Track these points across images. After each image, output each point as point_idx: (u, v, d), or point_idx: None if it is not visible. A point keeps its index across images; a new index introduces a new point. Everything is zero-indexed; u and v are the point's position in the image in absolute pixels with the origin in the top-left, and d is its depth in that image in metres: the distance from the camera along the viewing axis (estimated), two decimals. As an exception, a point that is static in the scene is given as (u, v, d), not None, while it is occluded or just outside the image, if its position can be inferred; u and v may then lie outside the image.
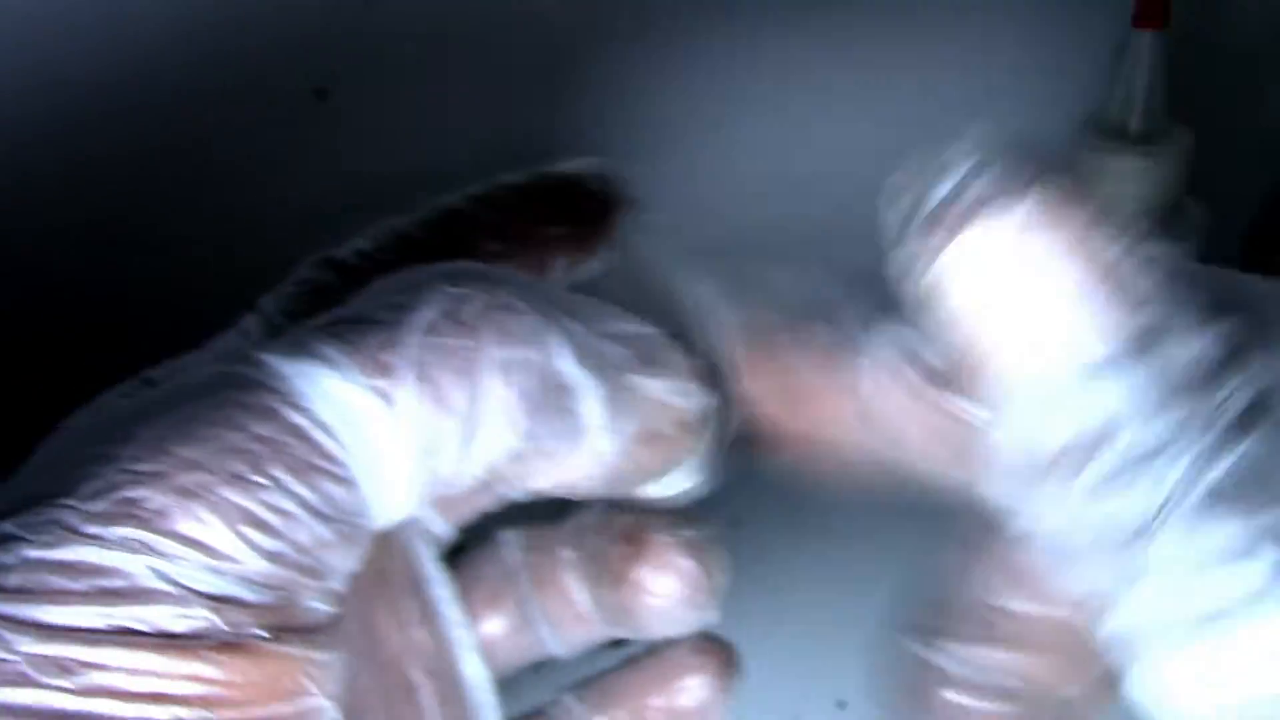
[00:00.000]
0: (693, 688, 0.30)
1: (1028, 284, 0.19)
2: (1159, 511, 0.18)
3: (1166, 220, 0.46)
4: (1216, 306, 0.19)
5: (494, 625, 0.29)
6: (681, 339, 0.25)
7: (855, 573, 0.53)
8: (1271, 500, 0.18)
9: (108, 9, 0.55)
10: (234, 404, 0.20)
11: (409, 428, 0.21)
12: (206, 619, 0.19)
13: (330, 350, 0.21)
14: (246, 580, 0.20)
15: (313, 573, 0.20)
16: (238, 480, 0.20)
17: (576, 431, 0.22)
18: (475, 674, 0.28)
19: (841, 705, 0.46)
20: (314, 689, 0.20)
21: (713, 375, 0.26)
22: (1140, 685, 0.19)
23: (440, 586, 0.28)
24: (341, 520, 0.21)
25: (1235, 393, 0.18)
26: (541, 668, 0.29)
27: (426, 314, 0.21)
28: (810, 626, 0.50)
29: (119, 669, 0.19)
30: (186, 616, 0.19)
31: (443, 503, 0.27)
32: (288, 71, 0.57)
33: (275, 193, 0.59)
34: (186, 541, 0.19)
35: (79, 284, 0.61)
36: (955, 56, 0.59)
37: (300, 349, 0.21)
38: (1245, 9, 0.59)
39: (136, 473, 0.19)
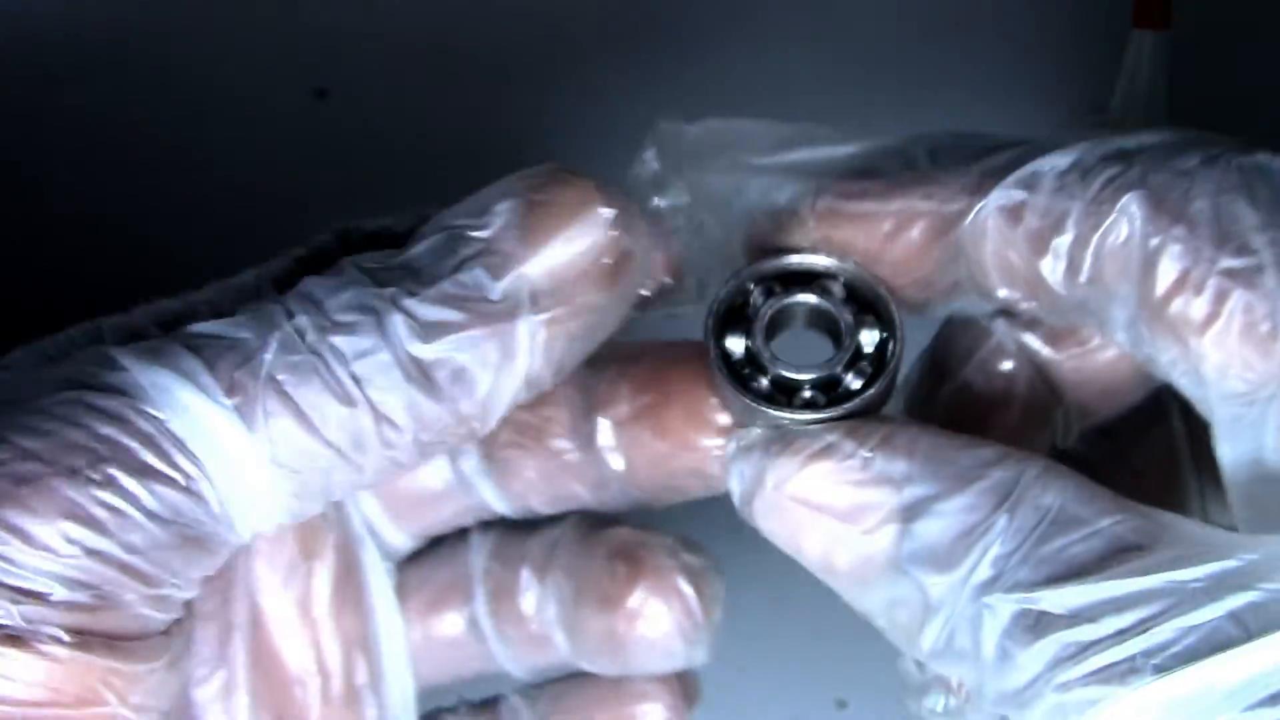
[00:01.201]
0: (649, 715, 0.29)
1: (810, 521, 0.23)
2: (978, 658, 0.21)
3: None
4: (961, 478, 0.22)
5: (430, 630, 0.28)
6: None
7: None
8: (1066, 603, 0.20)
9: (108, 10, 0.55)
10: (83, 404, 0.21)
11: (266, 444, 0.21)
12: (3, 609, 0.19)
13: (189, 364, 0.21)
14: (60, 576, 0.20)
15: (142, 576, 0.20)
16: (73, 475, 0.20)
17: (479, 382, 0.22)
18: (395, 677, 0.27)
19: (841, 705, 0.46)
20: (112, 698, 0.20)
21: (855, 301, 0.24)
22: None
23: (379, 592, 0.27)
24: (184, 526, 0.21)
25: (1004, 528, 0.21)
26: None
27: (278, 334, 0.22)
28: (810, 626, 0.50)
29: None
30: None
31: (408, 507, 0.27)
32: (288, 71, 0.57)
33: (275, 192, 0.59)
34: (8, 527, 0.19)
35: (78, 282, 0.61)
36: (956, 57, 0.59)
37: (159, 358, 0.21)
38: (1245, 9, 0.59)
39: None
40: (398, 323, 0.22)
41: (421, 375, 0.22)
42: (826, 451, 0.23)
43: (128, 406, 0.21)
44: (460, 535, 0.28)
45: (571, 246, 0.23)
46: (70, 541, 0.20)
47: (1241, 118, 0.61)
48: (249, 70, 0.56)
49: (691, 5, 0.57)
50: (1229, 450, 0.22)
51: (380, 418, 0.22)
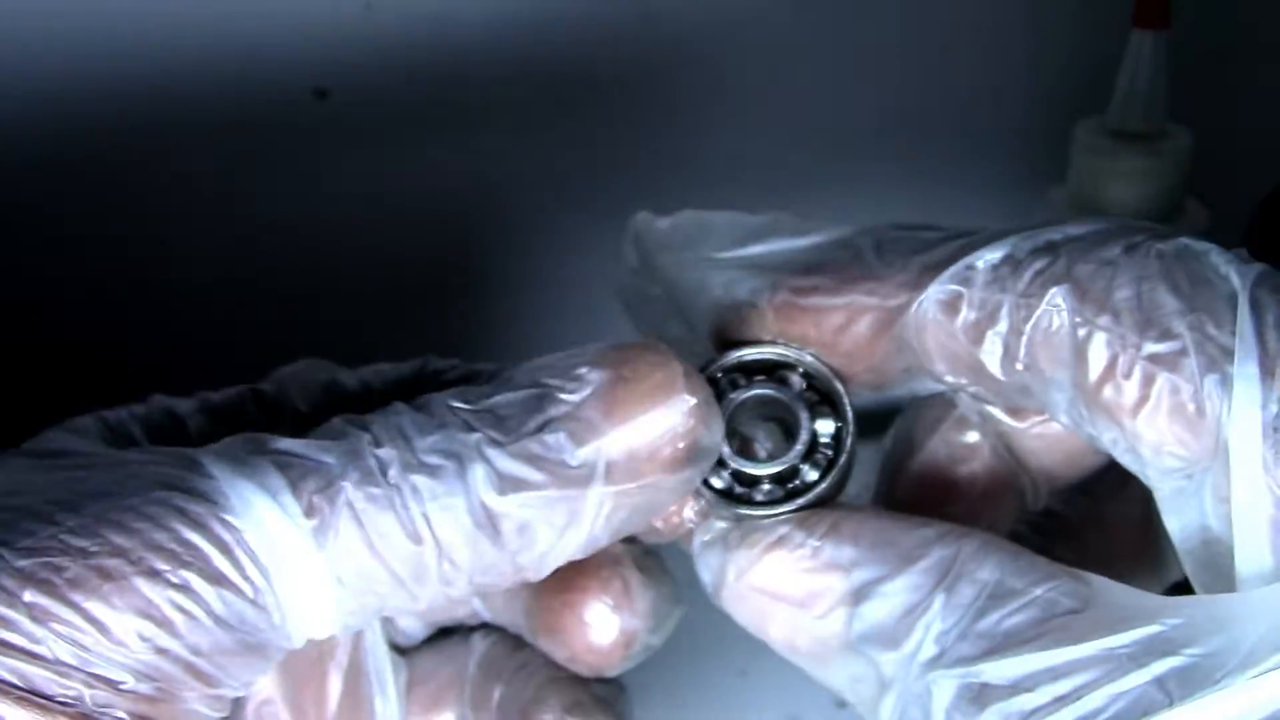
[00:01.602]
0: None
1: (770, 608, 0.25)
2: None
3: (1167, 220, 0.46)
4: (904, 559, 0.23)
5: None
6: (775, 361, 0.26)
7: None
8: (1011, 675, 0.21)
9: (108, 10, 0.55)
10: (172, 507, 0.22)
11: (332, 565, 0.22)
12: (78, 692, 0.21)
13: (274, 481, 0.22)
14: (130, 668, 0.21)
15: (203, 677, 0.22)
16: (153, 575, 0.21)
17: (537, 541, 0.23)
18: None
19: (841, 705, 0.46)
20: None
21: (815, 392, 0.26)
22: None
23: (383, 682, 0.28)
24: (246, 634, 0.22)
25: (949, 605, 0.23)
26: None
27: (362, 463, 0.23)
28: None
29: None
30: (62, 685, 0.20)
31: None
32: (288, 71, 0.57)
33: (275, 192, 0.59)
34: (88, 618, 0.21)
35: (79, 280, 0.61)
36: (956, 58, 0.59)
37: (244, 469, 0.23)
38: (1245, 9, 0.59)
39: (67, 544, 0.21)
40: (478, 472, 0.23)
41: (490, 524, 0.23)
42: (780, 542, 0.24)
43: (211, 514, 0.22)
44: (465, 635, 0.30)
45: (652, 429, 0.24)
46: (143, 639, 0.21)
47: (1241, 118, 0.61)
48: (249, 70, 0.56)
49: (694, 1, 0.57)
50: (1175, 521, 0.23)
51: (444, 556, 0.23)
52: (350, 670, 0.28)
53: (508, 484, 0.23)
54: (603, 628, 0.26)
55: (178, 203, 0.59)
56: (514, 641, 0.29)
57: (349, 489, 0.22)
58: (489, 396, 0.24)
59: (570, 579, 0.26)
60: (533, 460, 0.23)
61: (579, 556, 0.24)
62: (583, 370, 0.24)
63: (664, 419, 0.23)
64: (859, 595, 0.24)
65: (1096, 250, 0.23)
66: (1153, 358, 0.22)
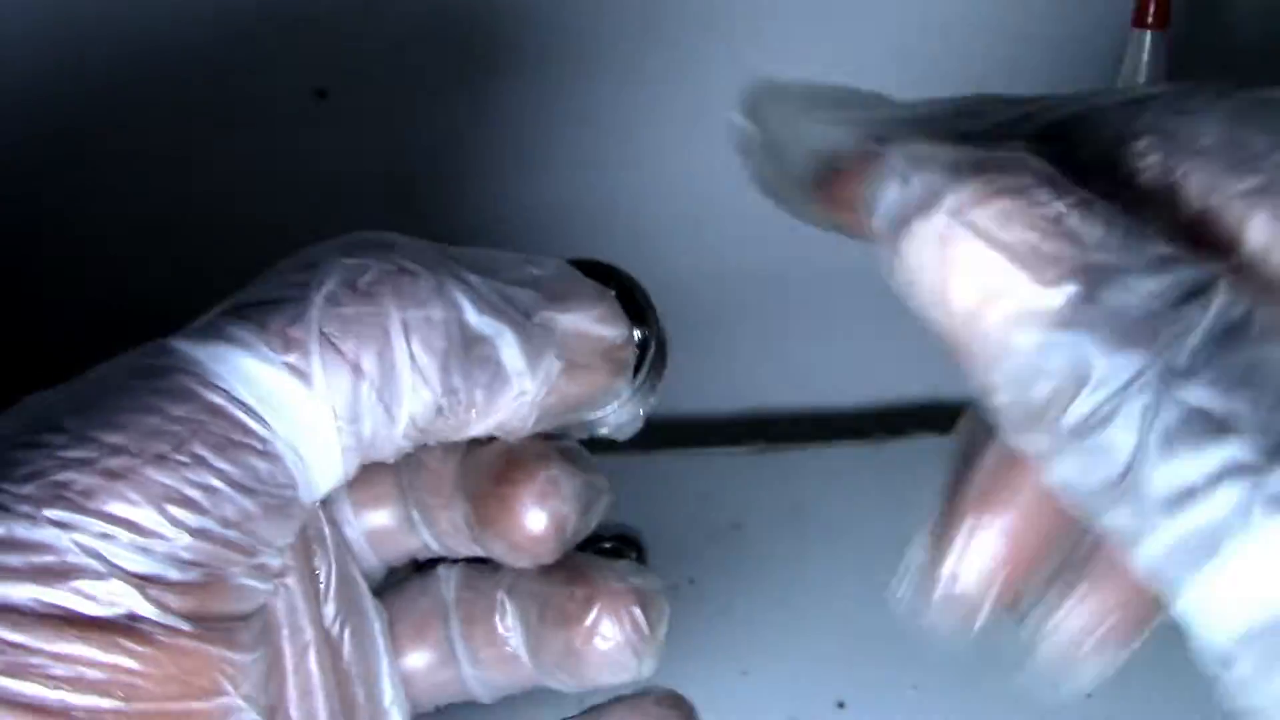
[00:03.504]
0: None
1: (979, 258, 0.21)
2: (1137, 444, 0.19)
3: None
4: (1158, 262, 0.20)
5: (417, 659, 0.29)
6: (601, 274, 0.26)
7: (855, 573, 0.53)
8: (1243, 417, 0.19)
9: (108, 11, 0.55)
10: (151, 389, 0.21)
11: (325, 397, 0.22)
12: (132, 597, 0.20)
13: (240, 332, 0.22)
14: (173, 558, 0.20)
15: (241, 548, 0.21)
16: (161, 460, 0.20)
17: (498, 378, 0.23)
18: (394, 706, 0.28)
19: (841, 705, 0.46)
20: (230, 688, 0.21)
21: (631, 307, 0.26)
22: (1179, 614, 0.19)
23: (370, 616, 0.28)
24: (267, 493, 0.22)
25: (1197, 322, 0.19)
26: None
27: (327, 287, 0.22)
28: (810, 626, 0.50)
29: (45, 652, 0.19)
30: (112, 594, 0.20)
31: (374, 539, 0.28)
32: (288, 71, 0.57)
33: (275, 191, 0.59)
34: (114, 520, 0.20)
35: (80, 277, 0.61)
36: (955, 58, 0.59)
37: (211, 333, 0.22)
38: (1245, 9, 0.59)
39: (64, 459, 0.20)
40: (456, 288, 0.23)
41: (461, 344, 0.23)
42: (1022, 191, 0.21)
43: (193, 383, 0.21)
44: (428, 569, 0.29)
45: (600, 325, 0.25)
46: (175, 524, 0.20)
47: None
48: (249, 70, 0.56)
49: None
50: None
51: (417, 370, 0.23)
52: (341, 599, 0.27)
53: (485, 307, 0.23)
54: (535, 516, 0.25)
55: (177, 202, 0.59)
56: (480, 564, 0.29)
57: (319, 310, 0.22)
58: (464, 250, 0.24)
59: (502, 474, 0.26)
60: (505, 298, 0.24)
61: (519, 423, 0.24)
62: (548, 259, 0.25)
63: (611, 319, 0.25)
64: (1099, 275, 0.20)
65: (1183, 100, 0.22)
66: (1245, 194, 0.21)
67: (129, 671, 0.20)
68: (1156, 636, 0.51)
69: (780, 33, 0.58)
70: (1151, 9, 0.44)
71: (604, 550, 0.52)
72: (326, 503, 0.26)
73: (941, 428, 0.62)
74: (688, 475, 0.59)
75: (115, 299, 0.61)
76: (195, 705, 0.21)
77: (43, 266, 0.61)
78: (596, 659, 0.27)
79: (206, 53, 0.56)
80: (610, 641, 0.27)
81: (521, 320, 0.24)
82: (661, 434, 0.62)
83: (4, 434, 0.21)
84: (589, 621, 0.27)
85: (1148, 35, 0.45)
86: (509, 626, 0.28)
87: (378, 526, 0.28)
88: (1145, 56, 0.45)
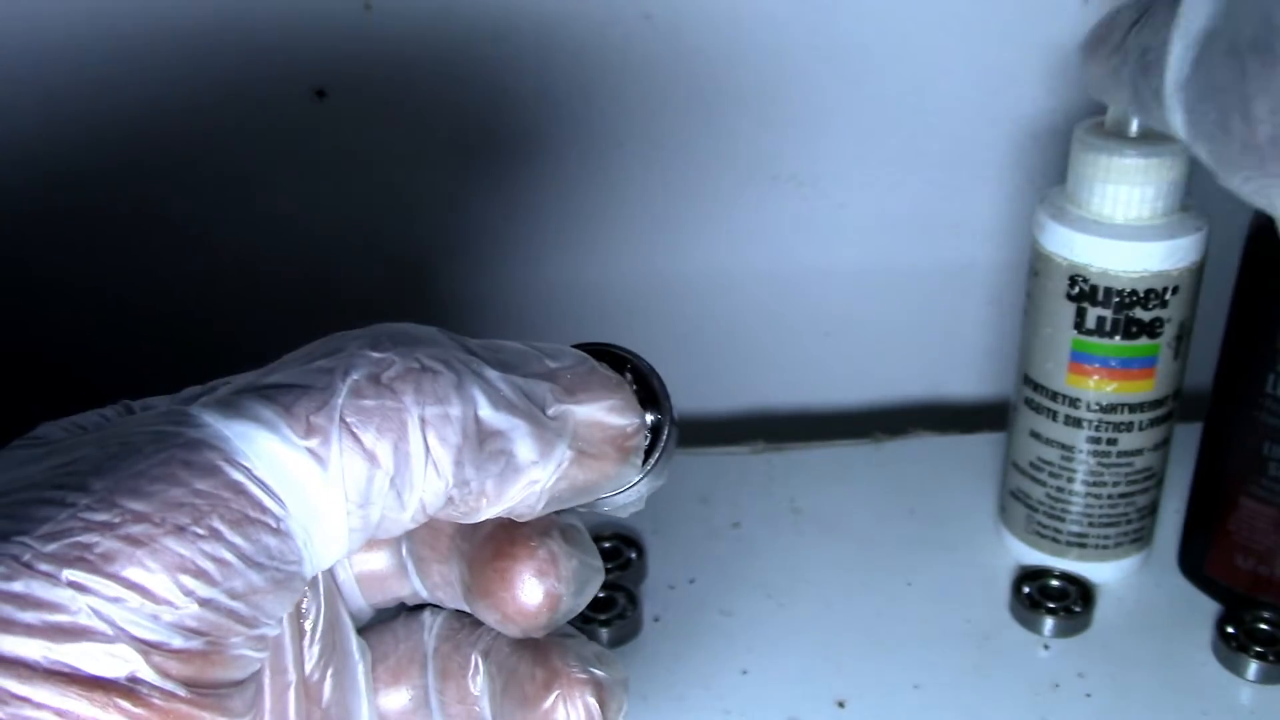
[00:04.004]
0: None
1: None
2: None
3: (1166, 221, 0.46)
4: None
5: (393, 700, 0.30)
6: (617, 360, 0.27)
7: (855, 573, 0.53)
8: None
9: (109, 10, 0.55)
10: (178, 461, 0.22)
11: (339, 482, 0.23)
12: (136, 660, 0.21)
13: (267, 413, 0.23)
14: (179, 626, 0.21)
15: (244, 620, 0.22)
16: (180, 531, 0.22)
17: (509, 468, 0.25)
18: None
19: (841, 705, 0.46)
20: None
21: (645, 392, 0.27)
22: None
23: (354, 658, 0.29)
24: (275, 568, 0.23)
25: None
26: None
27: (352, 378, 0.24)
28: (810, 626, 0.50)
29: (48, 706, 0.20)
30: (117, 656, 0.21)
31: (365, 581, 0.29)
32: (288, 71, 0.57)
33: (275, 191, 0.59)
34: (129, 585, 0.21)
35: (76, 280, 0.61)
36: (955, 58, 0.59)
37: (238, 411, 0.23)
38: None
39: (88, 521, 0.21)
40: (474, 385, 0.24)
41: (475, 438, 0.24)
42: None
43: (218, 459, 0.22)
44: (415, 612, 0.30)
45: (613, 415, 0.26)
46: (186, 594, 0.21)
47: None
48: (249, 70, 0.56)
49: None
50: None
51: (430, 462, 0.24)
52: (326, 638, 0.28)
53: (500, 403, 0.24)
54: (530, 591, 0.26)
55: (177, 202, 0.59)
56: (465, 617, 0.30)
57: (343, 400, 0.23)
58: (483, 343, 0.26)
59: (502, 548, 0.27)
60: (520, 393, 0.25)
61: (527, 509, 0.25)
62: (564, 350, 0.27)
63: (623, 409, 0.26)
64: None
65: None
66: None
67: None
68: (1156, 636, 0.52)
69: (780, 26, 0.58)
70: (1151, 9, 0.44)
71: (604, 550, 0.52)
72: None
73: (941, 428, 0.62)
74: (688, 475, 0.59)
75: (114, 298, 0.61)
76: None
77: (41, 267, 0.61)
78: None
79: (206, 52, 0.56)
80: None
81: (536, 414, 0.25)
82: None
83: (32, 481, 0.22)
84: (545, 706, 0.27)
85: (1148, 35, 0.45)
86: (479, 689, 0.29)
87: (371, 570, 0.29)
88: (1145, 56, 0.45)
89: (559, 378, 0.26)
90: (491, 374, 0.25)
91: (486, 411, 0.24)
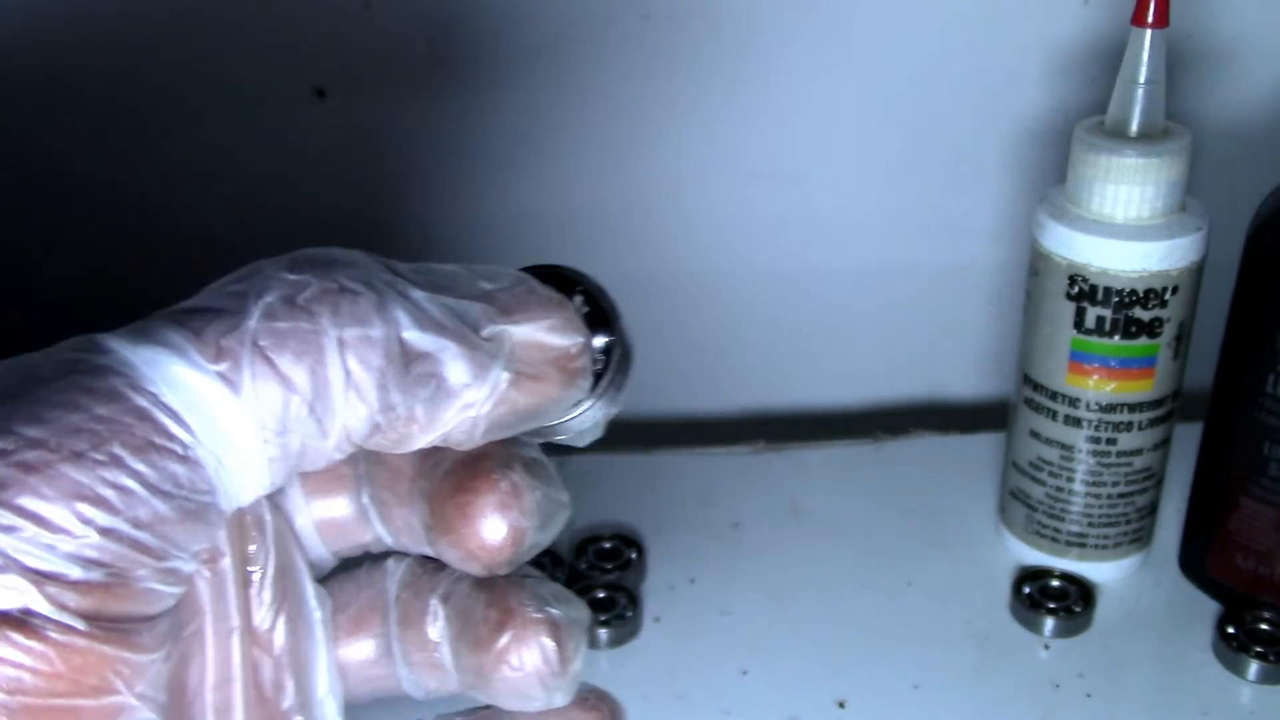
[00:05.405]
0: None
1: None
2: None
3: (1166, 221, 0.46)
4: None
5: (355, 651, 0.29)
6: (565, 282, 0.26)
7: (855, 573, 0.53)
8: None
9: (107, 10, 0.55)
10: (79, 387, 0.21)
11: (253, 408, 0.22)
12: (29, 592, 0.20)
13: (175, 338, 0.22)
14: (77, 556, 0.20)
15: (151, 551, 0.21)
16: (78, 457, 0.21)
17: (440, 392, 0.24)
18: (330, 695, 0.28)
19: (842, 705, 0.46)
20: (122, 687, 0.21)
21: (596, 314, 0.26)
22: None
23: (311, 606, 0.28)
24: (184, 498, 0.22)
25: None
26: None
27: (265, 300, 0.23)
28: (810, 626, 0.50)
29: None
30: (8, 588, 0.20)
31: (325, 529, 0.28)
32: (288, 71, 0.57)
33: (275, 192, 0.59)
34: (21, 513, 0.20)
35: (76, 281, 0.61)
36: (955, 58, 0.59)
37: (146, 336, 0.22)
38: (1245, 9, 0.59)
39: None
40: (398, 305, 0.23)
41: (400, 361, 0.23)
42: None
43: (122, 384, 0.21)
44: (379, 560, 0.29)
45: (553, 335, 0.25)
46: (84, 522, 0.21)
47: (1241, 118, 0.61)
48: (249, 70, 0.56)
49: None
50: None
51: (351, 385, 0.23)
52: (278, 585, 0.27)
53: (426, 323, 0.23)
54: (493, 526, 0.25)
55: (177, 202, 0.59)
56: (428, 562, 0.29)
57: (255, 322, 0.22)
58: (414, 266, 0.25)
59: (462, 483, 0.25)
60: (450, 313, 0.24)
61: (465, 436, 0.24)
62: (503, 271, 0.25)
63: (565, 328, 0.25)
64: None
65: None
66: None
67: (15, 665, 0.20)
68: (1156, 636, 0.52)
69: (767, 32, 0.58)
70: (1151, 7, 0.44)
71: (604, 550, 0.52)
72: (274, 493, 0.26)
73: (941, 428, 0.62)
74: (688, 475, 0.59)
75: (113, 298, 0.61)
76: (82, 703, 0.21)
77: (40, 263, 0.61)
78: (503, 686, 0.27)
79: (206, 52, 0.56)
80: (518, 671, 0.26)
81: (467, 334, 0.24)
82: (661, 434, 0.62)
83: None
84: (499, 647, 0.26)
85: (1148, 34, 0.44)
86: (439, 634, 0.28)
87: (330, 517, 0.28)
88: (1145, 55, 0.45)
89: (495, 298, 0.25)
90: (418, 294, 0.24)
91: (412, 333, 0.23)
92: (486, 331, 0.24)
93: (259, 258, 0.25)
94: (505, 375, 0.24)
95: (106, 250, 0.60)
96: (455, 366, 0.24)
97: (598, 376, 0.26)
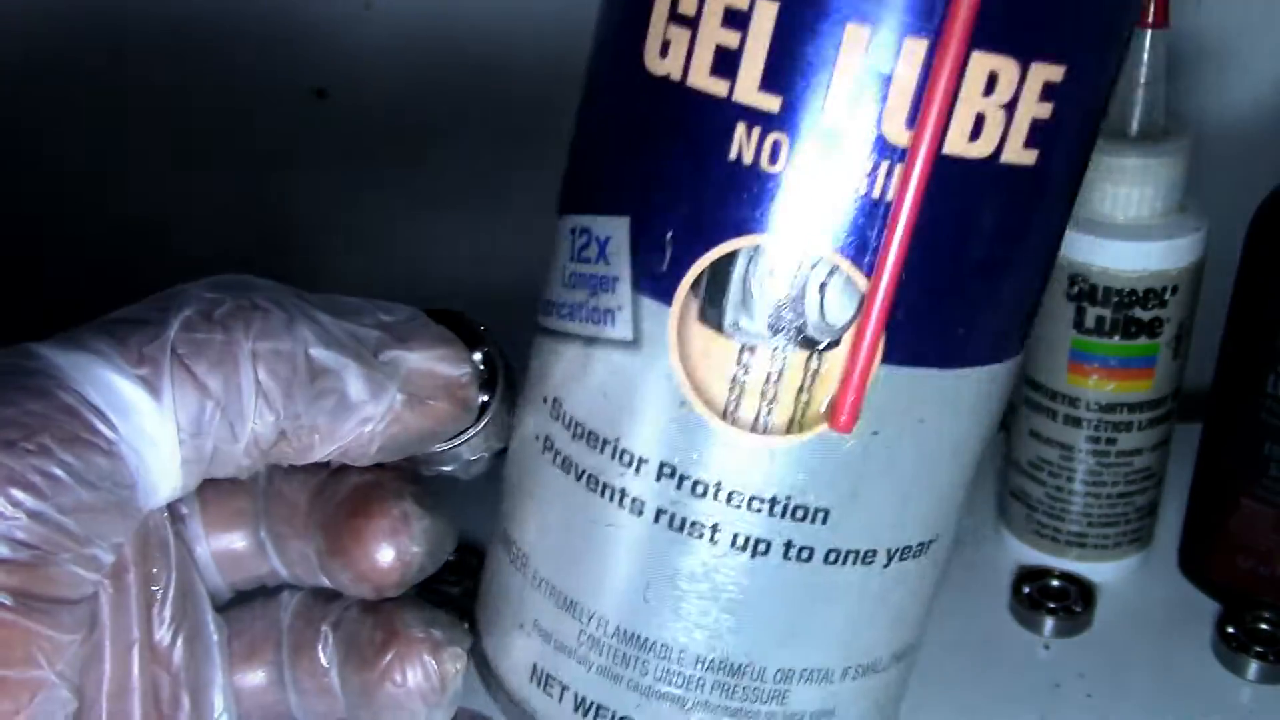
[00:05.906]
0: None
1: None
2: None
3: (1167, 220, 0.46)
4: None
5: (248, 678, 0.30)
6: (454, 319, 0.28)
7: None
8: None
9: (106, 10, 0.55)
10: (13, 387, 0.23)
11: (171, 410, 0.24)
12: None
13: (101, 344, 0.24)
14: (6, 537, 0.22)
15: (74, 536, 0.23)
16: (9, 446, 0.22)
17: (341, 406, 0.26)
18: (224, 716, 0.29)
19: (841, 705, 0.46)
20: (44, 662, 0.23)
21: (477, 345, 0.28)
22: None
23: (209, 629, 0.29)
24: (107, 489, 0.24)
25: None
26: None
27: (185, 314, 0.25)
28: (810, 626, 0.50)
29: None
30: None
31: (223, 561, 0.30)
32: (288, 71, 0.57)
33: (275, 192, 0.59)
34: None
35: (76, 280, 0.61)
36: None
37: (74, 343, 0.24)
38: (1245, 9, 0.59)
39: None
40: (305, 324, 0.26)
41: (306, 374, 0.25)
42: None
43: (52, 384, 0.23)
44: (274, 593, 0.31)
45: (444, 364, 0.27)
46: (14, 505, 0.22)
47: (1241, 118, 0.61)
48: (249, 70, 0.56)
49: None
50: None
51: (261, 394, 0.25)
52: (177, 606, 0.28)
53: (331, 342, 0.26)
54: (383, 550, 0.27)
55: (177, 201, 0.59)
56: (321, 594, 0.30)
57: (174, 332, 0.24)
58: (321, 295, 0.27)
59: (356, 508, 0.28)
60: (352, 336, 0.26)
61: (360, 451, 0.26)
62: (400, 307, 0.28)
63: (454, 360, 0.27)
64: None
65: None
66: None
67: None
68: (1156, 636, 0.51)
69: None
70: (1151, 7, 0.44)
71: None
72: (176, 520, 0.28)
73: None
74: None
75: (111, 297, 0.61)
76: (7, 673, 0.22)
77: (41, 265, 0.61)
78: (386, 702, 0.28)
79: (206, 52, 0.56)
80: (400, 688, 0.28)
81: (366, 356, 0.26)
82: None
83: None
84: (383, 665, 0.28)
85: (1148, 34, 0.44)
86: (328, 659, 0.29)
87: (228, 549, 0.30)
88: (1145, 55, 0.45)
89: (391, 328, 0.27)
90: (324, 317, 0.26)
91: (317, 350, 0.25)
92: (384, 356, 0.26)
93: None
94: (400, 396, 0.26)
95: (106, 250, 0.60)
96: (355, 384, 0.26)
97: (483, 406, 0.28)
